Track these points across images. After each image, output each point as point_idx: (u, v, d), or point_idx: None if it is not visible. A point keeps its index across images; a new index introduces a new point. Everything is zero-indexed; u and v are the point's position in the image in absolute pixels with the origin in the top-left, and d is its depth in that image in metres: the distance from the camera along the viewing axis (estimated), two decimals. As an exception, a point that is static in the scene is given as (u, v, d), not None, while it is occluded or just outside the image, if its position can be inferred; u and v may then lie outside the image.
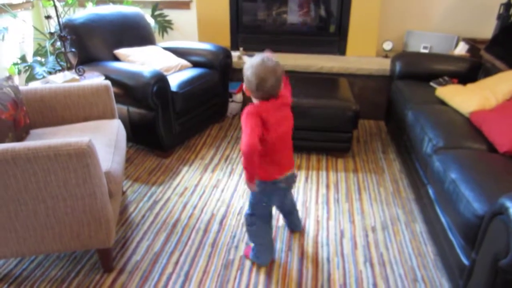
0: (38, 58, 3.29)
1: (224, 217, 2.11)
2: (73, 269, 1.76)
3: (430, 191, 1.88)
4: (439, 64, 2.78)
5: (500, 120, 1.85)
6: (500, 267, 1.19)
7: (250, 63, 1.50)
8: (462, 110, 2.15)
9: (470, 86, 2.34)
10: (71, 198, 1.51)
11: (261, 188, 1.63)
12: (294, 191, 2.34)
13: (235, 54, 3.41)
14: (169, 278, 1.71)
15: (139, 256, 1.83)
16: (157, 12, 3.77)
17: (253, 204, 1.72)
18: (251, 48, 3.63)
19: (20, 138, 1.85)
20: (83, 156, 1.44)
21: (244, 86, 1.55)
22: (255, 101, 1.56)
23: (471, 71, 2.70)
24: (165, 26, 3.85)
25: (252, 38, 3.65)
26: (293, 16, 3.70)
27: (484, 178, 1.50)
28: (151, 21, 3.63)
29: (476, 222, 1.35)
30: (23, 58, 3.27)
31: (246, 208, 2.13)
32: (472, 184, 1.48)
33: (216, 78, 2.98)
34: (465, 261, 1.44)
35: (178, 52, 3.09)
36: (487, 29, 3.39)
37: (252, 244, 1.80)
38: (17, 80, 3.51)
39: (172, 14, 3.88)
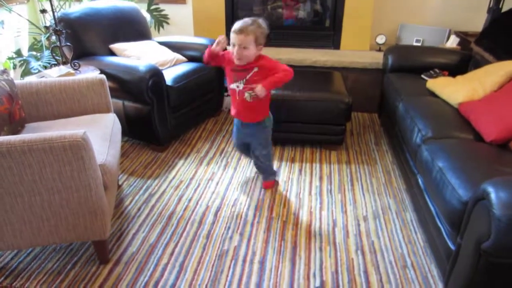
0: (34, 53, 3.30)
1: (218, 209, 2.14)
2: (69, 261, 1.79)
3: (420, 180, 1.92)
4: (430, 57, 2.81)
5: (487, 111, 1.88)
6: (483, 250, 1.23)
7: (257, 22, 1.89)
8: (451, 101, 2.19)
9: (459, 78, 2.38)
10: (66, 190, 1.54)
11: (271, 121, 2.18)
12: (288, 183, 2.38)
13: (230, 48, 3.43)
14: (164, 269, 1.74)
15: (135, 248, 1.87)
16: (153, 7, 3.79)
17: (267, 139, 2.20)
18: (246, 42, 3.65)
19: (15, 132, 1.88)
20: (78, 149, 1.47)
21: (253, 39, 1.86)
22: (257, 53, 1.92)
23: (461, 64, 2.74)
24: (161, 20, 3.87)
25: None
26: (288, 10, 3.72)
27: (470, 166, 1.54)
28: (147, 16, 3.65)
29: (460, 208, 1.39)
30: (18, 52, 3.28)
31: (240, 200, 2.17)
32: (458, 172, 1.52)
33: (211, 73, 3.00)
34: (451, 246, 1.48)
35: (174, 47, 3.11)
36: (478, 22, 3.42)
37: (268, 176, 2.33)
38: (13, 74, 3.52)
39: (168, 9, 3.89)
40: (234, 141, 2.31)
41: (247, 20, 1.86)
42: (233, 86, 2.01)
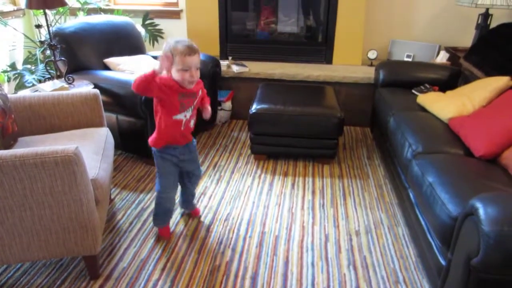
0: (28, 66, 3.31)
1: (211, 223, 2.14)
2: (59, 276, 1.77)
3: (411, 195, 1.94)
4: (421, 72, 2.86)
5: (476, 126, 1.92)
6: (473, 266, 1.24)
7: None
8: (441, 116, 2.22)
9: (449, 93, 2.42)
10: (57, 205, 1.53)
11: None
12: (281, 197, 2.38)
13: (224, 63, 3.47)
14: (155, 285, 1.73)
15: (126, 263, 1.85)
16: (147, 21, 3.82)
17: None
18: (240, 57, 3.69)
19: (7, 146, 1.87)
20: (69, 164, 1.47)
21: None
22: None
23: (451, 79, 2.79)
24: (155, 35, 3.90)
25: (241, 47, 3.72)
26: (281, 25, 3.78)
27: (460, 181, 1.56)
28: (141, 30, 3.68)
29: (450, 223, 1.40)
30: (13, 66, 3.29)
31: (232, 215, 2.16)
32: (448, 187, 1.53)
33: (205, 87, 3.01)
34: (442, 262, 1.49)
35: (167, 61, 3.13)
36: (467, 38, 3.49)
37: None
38: (7, 88, 3.52)
39: (162, 24, 3.93)
40: (170, 184, 1.92)
41: (184, 39, 1.67)
42: (179, 117, 1.76)
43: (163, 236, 2.03)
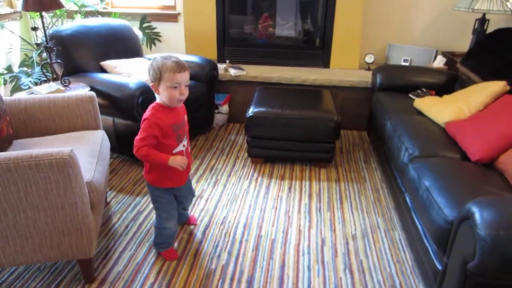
0: (24, 69, 3.30)
1: (207, 227, 2.13)
2: (54, 280, 1.75)
3: (407, 199, 1.94)
4: (418, 76, 2.87)
5: (472, 130, 1.92)
6: (469, 270, 1.24)
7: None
8: (438, 121, 2.22)
9: (446, 97, 2.42)
10: (51, 208, 1.52)
11: None
12: (277, 200, 2.38)
13: (221, 66, 3.47)
14: (151, 288, 1.72)
15: (121, 267, 1.84)
16: (145, 25, 3.83)
17: None
18: (238, 60, 3.69)
19: (2, 148, 1.86)
20: (64, 166, 1.46)
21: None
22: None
23: (448, 83, 2.80)
24: (153, 38, 3.90)
25: (238, 51, 3.72)
26: (279, 29, 3.78)
27: (456, 185, 1.56)
28: (139, 34, 3.68)
29: (446, 228, 1.40)
30: (9, 68, 3.28)
31: (229, 218, 2.16)
32: (444, 191, 1.53)
33: (202, 90, 3.02)
34: (439, 266, 1.49)
35: (164, 64, 3.13)
36: (464, 43, 3.51)
37: None
38: (3, 90, 3.51)
39: (160, 27, 3.93)
40: (171, 215, 1.85)
41: (171, 55, 1.64)
42: (179, 148, 1.72)
43: (171, 259, 1.90)
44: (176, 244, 1.98)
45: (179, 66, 1.58)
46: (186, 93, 1.64)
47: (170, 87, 1.60)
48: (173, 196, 1.86)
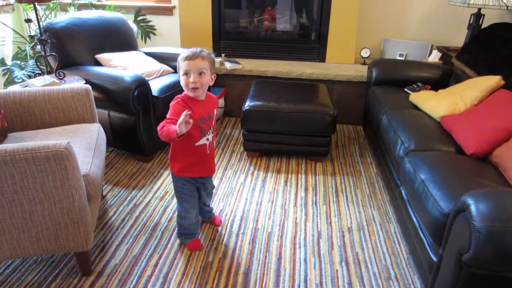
0: (18, 62, 3.27)
1: (203, 220, 2.13)
2: (51, 273, 1.75)
3: (403, 192, 1.95)
4: (413, 71, 2.88)
5: (467, 124, 1.94)
6: (464, 262, 1.25)
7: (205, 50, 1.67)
8: (433, 115, 2.24)
9: (441, 92, 2.44)
10: (48, 200, 1.51)
11: None
12: (274, 194, 2.39)
13: (217, 60, 3.46)
14: (148, 281, 1.72)
15: (118, 260, 1.84)
16: (140, 18, 3.80)
17: None
18: (233, 54, 3.68)
19: (-3, 142, 1.85)
20: (61, 159, 1.45)
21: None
22: (210, 83, 1.71)
23: (443, 78, 2.81)
24: (147, 31, 3.87)
25: (234, 44, 3.71)
26: (275, 23, 3.77)
27: (451, 179, 1.57)
28: (133, 26, 3.65)
29: (442, 220, 1.42)
30: (2, 61, 3.24)
31: (225, 211, 2.16)
32: (440, 184, 1.55)
33: (197, 83, 3.00)
34: (434, 258, 1.50)
35: (160, 58, 3.12)
36: (459, 38, 3.53)
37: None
38: (-4, 84, 3.48)
39: (155, 20, 3.91)
40: (193, 206, 1.86)
41: (195, 48, 1.64)
42: (202, 142, 1.72)
43: (194, 249, 1.92)
44: (174, 235, 1.99)
45: (191, 53, 1.60)
46: (198, 80, 1.60)
47: (182, 74, 1.63)
48: (195, 188, 1.87)
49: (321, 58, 3.63)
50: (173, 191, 1.90)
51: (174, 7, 3.85)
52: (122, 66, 2.80)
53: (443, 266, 1.40)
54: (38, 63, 2.71)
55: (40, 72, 2.73)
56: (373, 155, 2.91)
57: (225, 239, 1.99)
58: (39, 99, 2.07)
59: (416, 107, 2.44)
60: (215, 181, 2.50)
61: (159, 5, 3.89)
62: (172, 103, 1.67)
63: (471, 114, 2.02)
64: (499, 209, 1.19)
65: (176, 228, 1.97)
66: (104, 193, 2.34)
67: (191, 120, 1.50)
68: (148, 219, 2.12)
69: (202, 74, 1.62)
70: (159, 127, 1.60)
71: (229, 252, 1.90)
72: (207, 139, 1.73)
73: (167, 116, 1.64)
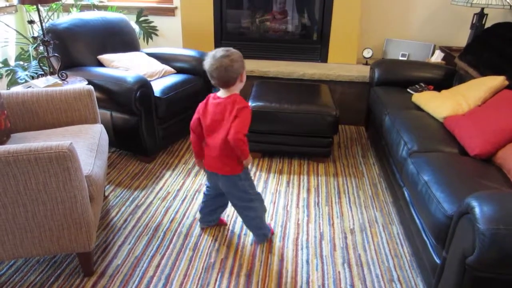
0: (21, 62, 3.27)
1: (206, 220, 2.13)
2: (53, 273, 1.75)
3: (406, 194, 1.94)
4: (416, 71, 2.87)
5: (470, 125, 1.93)
6: (468, 264, 1.25)
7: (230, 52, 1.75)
8: (437, 115, 2.23)
9: (444, 92, 2.43)
10: (51, 201, 1.51)
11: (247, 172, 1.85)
12: (276, 195, 2.38)
13: (219, 60, 3.45)
14: (150, 282, 1.72)
15: (120, 260, 1.84)
16: (142, 18, 3.80)
17: (250, 187, 1.84)
18: (235, 54, 3.67)
19: (0, 142, 1.85)
20: (63, 160, 1.45)
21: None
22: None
23: (446, 78, 2.80)
24: (149, 32, 3.87)
25: (236, 45, 3.70)
26: (277, 24, 3.77)
27: (455, 180, 1.57)
28: (135, 27, 3.65)
29: (445, 222, 1.41)
30: (5, 62, 3.25)
31: (227, 212, 2.16)
32: (443, 185, 1.54)
33: (199, 84, 3.01)
34: (437, 260, 1.50)
35: (162, 58, 3.12)
36: (462, 38, 3.52)
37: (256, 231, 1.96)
38: (-1, 85, 3.48)
39: (157, 21, 3.91)
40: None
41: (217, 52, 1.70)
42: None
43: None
44: (176, 236, 1.99)
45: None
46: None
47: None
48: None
49: (323, 58, 3.63)
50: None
51: (176, 7, 3.85)
52: (124, 67, 2.81)
53: (447, 269, 1.39)
54: (41, 64, 2.71)
55: (43, 73, 2.73)
56: (375, 156, 2.90)
57: (227, 240, 1.98)
58: (42, 100, 2.08)
59: (419, 108, 2.43)
60: (217, 182, 2.50)
61: (161, 6, 3.90)
62: (248, 106, 1.72)
63: (475, 114, 2.01)
64: (504, 212, 1.18)
65: (257, 236, 1.97)
66: (106, 194, 2.34)
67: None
68: (150, 220, 2.12)
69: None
70: (245, 140, 1.65)
71: (231, 253, 1.90)
72: None
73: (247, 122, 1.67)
